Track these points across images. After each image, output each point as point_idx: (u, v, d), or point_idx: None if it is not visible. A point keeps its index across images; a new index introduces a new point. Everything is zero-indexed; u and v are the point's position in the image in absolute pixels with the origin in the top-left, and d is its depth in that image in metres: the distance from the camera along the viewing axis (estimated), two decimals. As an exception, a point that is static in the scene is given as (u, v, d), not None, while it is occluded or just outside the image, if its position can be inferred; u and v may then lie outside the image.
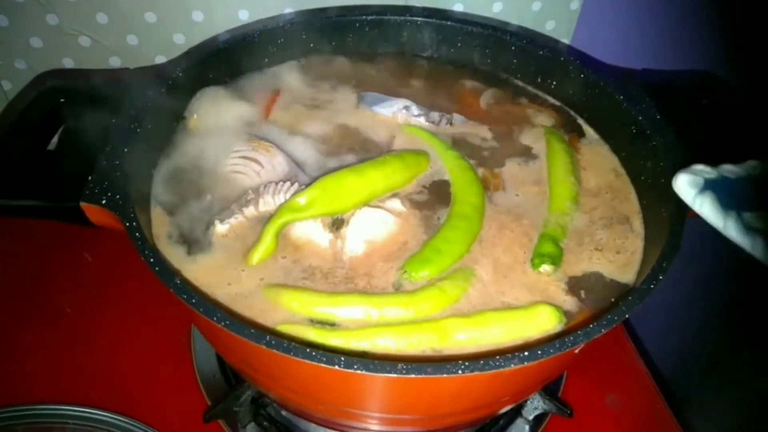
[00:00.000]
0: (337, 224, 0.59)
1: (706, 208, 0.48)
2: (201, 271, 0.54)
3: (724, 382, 1.08)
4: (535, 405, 0.70)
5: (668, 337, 1.25)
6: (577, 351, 0.47)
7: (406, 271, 0.55)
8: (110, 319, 0.80)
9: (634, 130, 0.64)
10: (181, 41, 0.86)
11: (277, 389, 0.57)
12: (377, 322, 0.51)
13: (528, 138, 0.70)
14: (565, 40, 0.95)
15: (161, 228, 0.58)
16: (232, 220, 0.57)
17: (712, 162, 0.53)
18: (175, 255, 0.55)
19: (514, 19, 0.90)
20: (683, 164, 0.58)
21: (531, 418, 0.71)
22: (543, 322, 0.52)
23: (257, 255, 0.55)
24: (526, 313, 0.53)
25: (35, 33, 0.83)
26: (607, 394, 0.76)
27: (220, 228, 0.57)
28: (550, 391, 0.72)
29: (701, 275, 1.16)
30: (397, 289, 0.54)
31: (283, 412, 0.70)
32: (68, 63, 0.87)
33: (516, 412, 0.71)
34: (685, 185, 0.50)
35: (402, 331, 0.50)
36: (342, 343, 0.49)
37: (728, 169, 0.52)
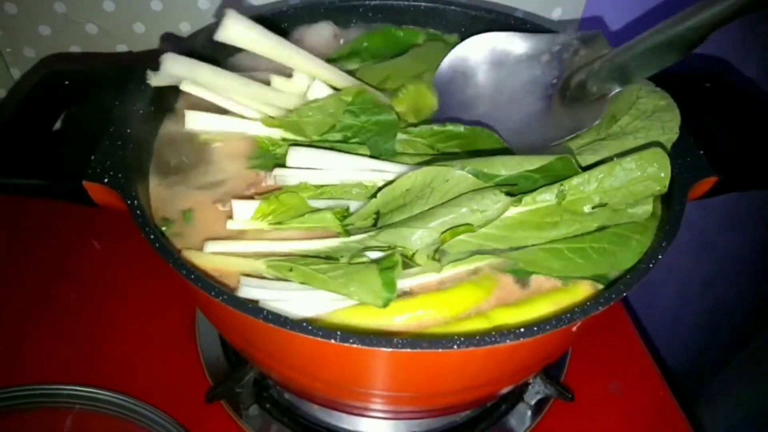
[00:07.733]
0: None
1: None
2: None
3: (733, 371, 1.07)
4: (537, 389, 0.70)
5: (678, 328, 1.24)
6: (574, 329, 0.47)
7: None
8: (116, 300, 0.80)
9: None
10: (187, 29, 0.86)
11: (277, 367, 0.57)
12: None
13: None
14: (573, 28, 0.94)
15: (162, 205, 0.57)
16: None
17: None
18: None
19: (521, 6, 0.90)
20: (684, 145, 0.57)
21: (533, 402, 0.71)
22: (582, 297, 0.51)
23: None
24: (568, 294, 0.52)
25: (43, 21, 0.84)
26: (610, 381, 0.76)
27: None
28: (552, 375, 0.72)
29: (713, 266, 1.15)
30: None
31: (286, 395, 0.71)
32: (76, 50, 0.88)
33: (518, 397, 0.71)
34: None
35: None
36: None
37: None
